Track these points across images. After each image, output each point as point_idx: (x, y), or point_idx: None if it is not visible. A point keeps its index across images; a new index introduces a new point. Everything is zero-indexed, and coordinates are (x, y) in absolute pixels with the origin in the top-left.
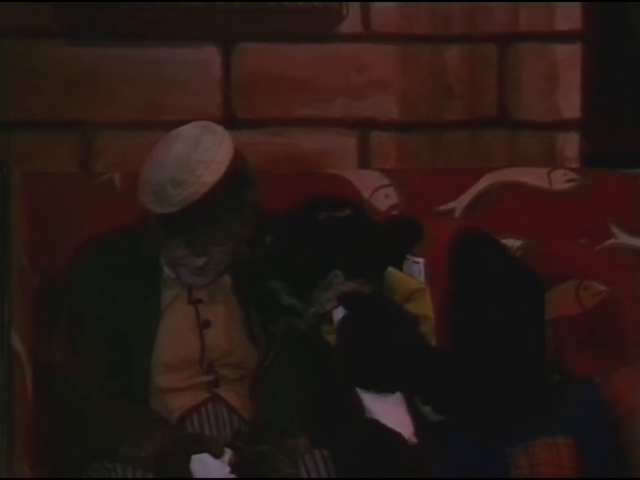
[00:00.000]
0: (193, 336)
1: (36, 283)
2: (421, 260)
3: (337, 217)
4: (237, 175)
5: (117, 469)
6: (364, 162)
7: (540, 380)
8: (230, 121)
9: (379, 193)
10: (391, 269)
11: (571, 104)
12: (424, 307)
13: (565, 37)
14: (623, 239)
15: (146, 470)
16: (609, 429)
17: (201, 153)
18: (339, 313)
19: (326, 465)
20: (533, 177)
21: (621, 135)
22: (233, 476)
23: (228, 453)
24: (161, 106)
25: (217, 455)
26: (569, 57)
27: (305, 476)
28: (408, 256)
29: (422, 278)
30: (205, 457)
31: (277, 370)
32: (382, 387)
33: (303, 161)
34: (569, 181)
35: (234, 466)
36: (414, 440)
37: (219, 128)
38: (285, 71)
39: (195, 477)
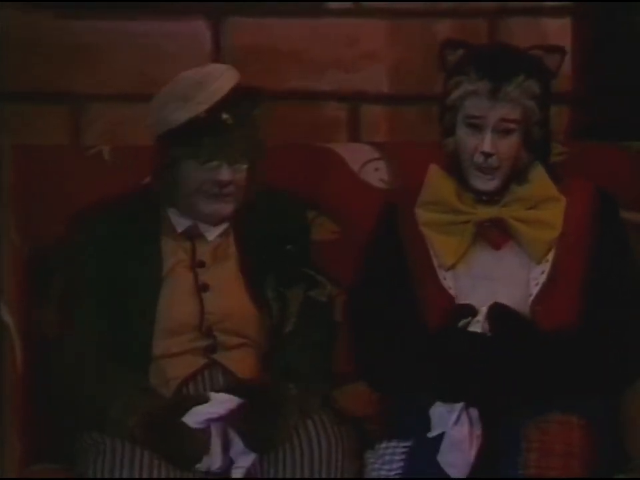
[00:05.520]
0: (191, 300)
1: (25, 254)
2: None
3: None
4: (249, 89)
5: (106, 442)
6: (354, 135)
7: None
8: None
9: (369, 167)
10: (539, 164)
11: (561, 77)
12: (555, 216)
13: (555, 11)
14: None
15: (134, 441)
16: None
17: (212, 66)
18: None
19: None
20: None
21: (611, 108)
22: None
23: (214, 398)
24: (150, 78)
25: (203, 402)
26: (560, 30)
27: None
28: None
29: None
30: (194, 409)
31: (296, 337)
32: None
33: (293, 134)
34: (559, 154)
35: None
36: None
37: None
38: (275, 44)
39: (192, 429)
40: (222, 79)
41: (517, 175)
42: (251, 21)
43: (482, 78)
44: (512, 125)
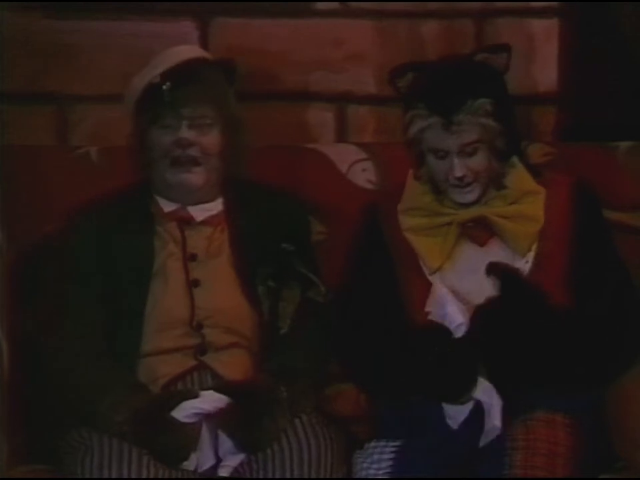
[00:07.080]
0: (181, 295)
1: (11, 255)
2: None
3: None
4: (219, 60)
5: (94, 440)
6: (341, 136)
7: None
8: None
9: (356, 167)
10: (516, 160)
11: (547, 78)
12: (536, 209)
13: (541, 12)
14: None
15: (123, 437)
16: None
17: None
18: None
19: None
20: None
21: (597, 109)
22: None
23: (203, 395)
24: None
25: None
26: (546, 31)
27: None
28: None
29: None
30: (183, 404)
31: (293, 338)
32: None
33: (280, 135)
34: (545, 154)
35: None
36: None
37: None
38: (262, 44)
39: (182, 424)
40: (184, 50)
41: (493, 180)
42: (239, 21)
43: (432, 114)
44: (475, 145)
